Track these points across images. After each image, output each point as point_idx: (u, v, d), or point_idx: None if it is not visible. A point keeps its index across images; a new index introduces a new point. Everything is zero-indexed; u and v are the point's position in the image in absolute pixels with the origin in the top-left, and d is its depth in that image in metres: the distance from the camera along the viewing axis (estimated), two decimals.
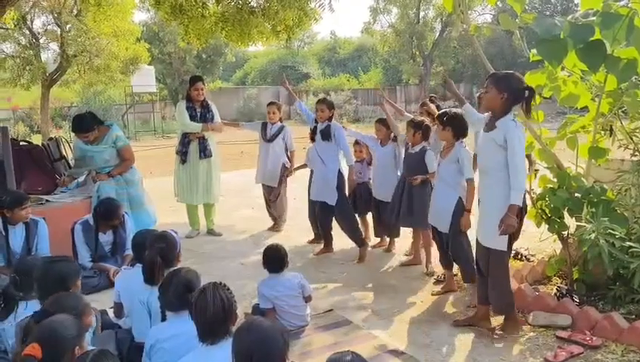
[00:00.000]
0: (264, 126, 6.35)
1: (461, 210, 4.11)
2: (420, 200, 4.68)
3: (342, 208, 5.31)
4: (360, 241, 5.35)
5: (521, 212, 3.49)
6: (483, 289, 3.70)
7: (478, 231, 3.64)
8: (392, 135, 5.27)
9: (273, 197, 6.38)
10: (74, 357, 2.12)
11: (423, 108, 5.36)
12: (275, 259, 3.80)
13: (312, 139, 5.46)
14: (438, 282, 4.63)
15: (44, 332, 2.14)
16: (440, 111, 4.36)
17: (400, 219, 4.93)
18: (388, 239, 5.58)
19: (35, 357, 2.03)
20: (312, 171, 5.68)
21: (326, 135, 5.31)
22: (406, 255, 5.33)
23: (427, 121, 4.92)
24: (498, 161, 3.40)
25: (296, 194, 7.00)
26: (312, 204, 5.61)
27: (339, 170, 5.31)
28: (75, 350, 2.15)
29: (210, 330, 2.32)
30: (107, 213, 4.69)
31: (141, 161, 7.49)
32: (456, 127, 4.11)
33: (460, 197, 4.13)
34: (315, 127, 5.42)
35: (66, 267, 2.93)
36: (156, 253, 3.11)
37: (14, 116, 23.54)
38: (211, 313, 2.31)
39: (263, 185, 6.41)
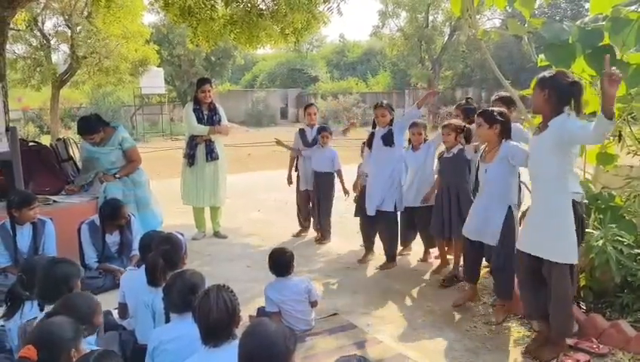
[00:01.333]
0: (302, 132, 6.28)
1: (512, 220, 3.82)
2: (467, 207, 4.31)
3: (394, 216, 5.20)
4: (393, 256, 5.23)
5: (579, 219, 3.33)
6: (529, 304, 3.49)
7: (529, 242, 3.35)
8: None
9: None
10: (70, 359, 2.12)
11: (458, 110, 5.21)
12: (281, 263, 3.78)
13: (369, 146, 5.26)
14: (443, 287, 4.61)
15: (40, 334, 2.15)
16: (484, 108, 4.09)
17: (453, 230, 4.63)
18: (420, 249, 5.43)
19: (29, 358, 2.03)
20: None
21: (388, 140, 5.09)
22: (421, 260, 5.33)
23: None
24: (551, 164, 3.17)
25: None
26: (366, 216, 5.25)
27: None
28: (71, 352, 2.15)
29: (213, 333, 2.32)
30: (112, 213, 4.71)
31: (149, 163, 7.54)
32: (505, 125, 3.80)
33: (510, 206, 3.83)
34: (373, 133, 5.24)
35: (67, 268, 2.94)
36: (159, 254, 3.11)
37: (25, 116, 23.72)
38: (214, 315, 2.30)
39: (301, 191, 6.31)
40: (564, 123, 3.09)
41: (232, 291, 2.44)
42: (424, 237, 5.28)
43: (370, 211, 5.12)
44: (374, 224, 5.25)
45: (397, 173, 5.09)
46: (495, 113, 3.85)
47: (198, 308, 2.35)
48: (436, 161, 5.02)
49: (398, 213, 5.19)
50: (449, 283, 4.65)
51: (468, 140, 4.63)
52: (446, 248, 5.04)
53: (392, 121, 5.14)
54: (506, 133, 3.81)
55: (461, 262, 4.60)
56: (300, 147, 6.25)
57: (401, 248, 5.48)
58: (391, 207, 5.07)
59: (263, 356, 2.03)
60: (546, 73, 3.28)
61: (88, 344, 2.72)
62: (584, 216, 3.32)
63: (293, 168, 6.40)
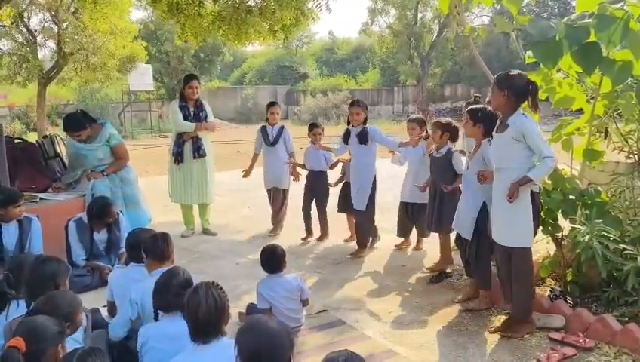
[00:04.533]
0: (264, 129, 6.24)
1: (486, 215, 3.88)
2: (451, 206, 4.42)
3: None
4: (364, 244, 5.43)
5: (537, 210, 3.51)
6: (506, 290, 3.70)
7: (494, 230, 3.63)
8: (425, 134, 5.20)
9: (279, 201, 6.26)
10: (57, 355, 2.12)
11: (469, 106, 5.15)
12: (273, 260, 3.77)
13: (346, 141, 5.38)
14: (431, 283, 4.63)
15: (28, 329, 2.14)
16: (471, 106, 4.18)
17: (434, 227, 4.80)
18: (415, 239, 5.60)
19: (18, 348, 2.03)
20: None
21: (363, 139, 5.21)
22: (414, 249, 5.51)
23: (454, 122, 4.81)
24: (514, 155, 3.42)
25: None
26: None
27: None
28: (58, 348, 2.14)
29: (202, 330, 2.31)
30: (100, 212, 4.67)
31: (137, 160, 7.52)
32: (488, 124, 3.84)
33: (484, 202, 3.89)
34: (349, 131, 5.32)
35: (55, 266, 2.91)
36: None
37: (10, 113, 23.46)
38: (204, 312, 2.29)
39: (269, 190, 6.31)
40: (524, 123, 3.39)
41: (221, 288, 2.43)
42: (418, 229, 5.43)
43: (357, 205, 5.30)
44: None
45: (372, 172, 5.28)
46: (481, 112, 3.93)
47: (187, 304, 2.34)
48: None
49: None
50: (437, 279, 4.67)
51: (454, 139, 4.69)
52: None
53: (365, 119, 5.25)
54: (489, 131, 3.84)
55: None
56: (262, 145, 6.22)
57: (401, 241, 5.62)
58: (362, 206, 5.24)
59: (268, 352, 2.01)
60: (503, 74, 3.51)
61: (75, 342, 2.71)
62: (541, 205, 3.59)
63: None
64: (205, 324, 2.30)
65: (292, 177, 6.22)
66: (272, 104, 6.36)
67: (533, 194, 3.46)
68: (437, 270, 4.82)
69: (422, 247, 5.52)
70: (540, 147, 3.37)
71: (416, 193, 5.12)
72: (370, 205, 5.30)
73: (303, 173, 6.17)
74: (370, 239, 5.56)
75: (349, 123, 5.37)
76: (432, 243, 5.34)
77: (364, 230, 5.44)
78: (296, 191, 6.31)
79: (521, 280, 3.53)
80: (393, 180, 5.88)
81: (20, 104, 24.05)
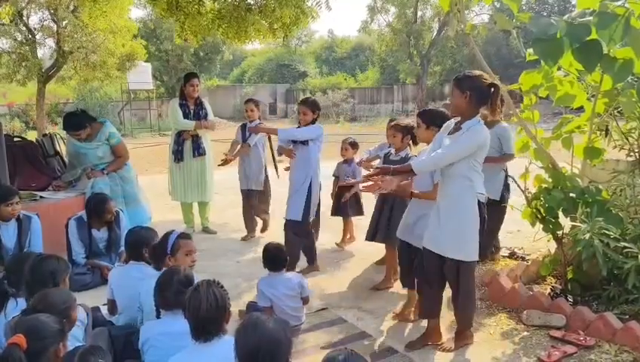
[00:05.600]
0: (243, 127, 6.00)
1: None
2: (400, 215, 4.12)
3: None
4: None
5: (481, 221, 3.27)
6: (431, 302, 3.49)
7: (434, 240, 3.34)
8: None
9: (259, 201, 6.04)
10: (59, 353, 2.11)
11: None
12: (275, 258, 3.75)
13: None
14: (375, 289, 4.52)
15: (28, 326, 2.14)
16: (422, 109, 3.97)
17: (379, 235, 4.48)
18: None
19: (19, 345, 2.02)
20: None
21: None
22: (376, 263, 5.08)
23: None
24: (459, 165, 3.17)
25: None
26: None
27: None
28: (59, 346, 2.14)
29: (203, 328, 2.30)
30: (97, 207, 4.65)
31: (137, 159, 7.52)
32: (441, 125, 3.53)
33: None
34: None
35: (55, 264, 2.91)
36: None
37: (10, 112, 23.44)
38: (204, 311, 2.29)
39: (244, 190, 6.05)
40: (473, 131, 3.15)
41: (222, 286, 2.43)
42: None
43: (291, 213, 4.77)
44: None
45: (308, 174, 4.74)
46: (432, 114, 3.74)
47: (188, 303, 2.34)
48: (379, 161, 4.74)
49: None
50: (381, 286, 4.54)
51: (416, 142, 4.34)
52: None
53: (314, 120, 4.77)
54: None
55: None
56: (240, 142, 6.01)
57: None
58: (297, 216, 4.71)
59: (266, 351, 2.01)
60: (463, 75, 3.28)
61: (76, 340, 2.71)
62: (485, 216, 3.31)
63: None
64: (206, 322, 2.30)
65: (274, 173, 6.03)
66: (247, 101, 6.04)
67: (479, 203, 3.25)
68: (385, 288, 4.54)
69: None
70: (446, 147, 3.15)
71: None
72: (305, 215, 4.72)
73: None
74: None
75: (299, 123, 4.93)
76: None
77: (297, 246, 4.78)
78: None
79: (468, 294, 3.38)
80: None
81: (20, 102, 24.03)
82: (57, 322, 2.20)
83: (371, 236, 4.57)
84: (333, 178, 5.78)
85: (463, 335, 3.48)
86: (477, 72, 3.30)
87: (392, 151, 4.37)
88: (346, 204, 5.43)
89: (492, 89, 3.22)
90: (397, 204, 4.31)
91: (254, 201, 6.06)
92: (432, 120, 3.66)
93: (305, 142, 4.75)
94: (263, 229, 6.23)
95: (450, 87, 3.44)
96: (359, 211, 5.61)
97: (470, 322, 3.50)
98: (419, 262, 3.57)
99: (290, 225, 4.76)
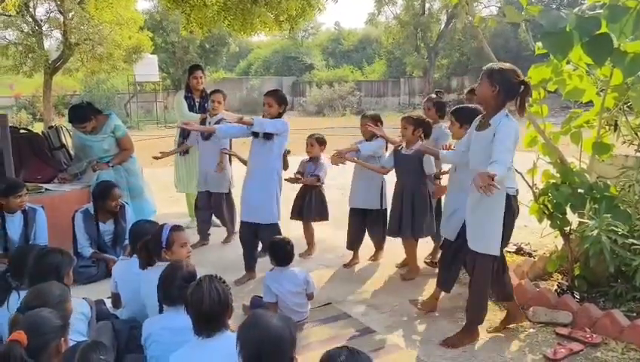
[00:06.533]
0: (203, 123, 5.38)
1: None
2: (422, 208, 4.32)
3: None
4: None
5: (512, 214, 3.26)
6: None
7: (467, 233, 3.36)
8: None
9: (216, 203, 5.57)
10: (60, 348, 2.11)
11: (429, 103, 4.84)
12: (282, 253, 3.73)
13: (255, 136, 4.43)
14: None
15: (29, 322, 2.13)
16: (456, 106, 3.94)
17: (402, 230, 4.44)
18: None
19: (20, 342, 2.02)
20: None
21: (268, 134, 4.34)
22: (398, 266, 4.90)
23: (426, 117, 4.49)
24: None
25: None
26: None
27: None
28: (60, 341, 2.13)
29: (206, 323, 2.30)
30: (103, 193, 4.64)
31: (143, 151, 7.45)
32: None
33: None
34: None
35: (58, 258, 2.90)
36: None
37: (17, 104, 23.53)
38: (207, 306, 2.28)
39: (200, 193, 5.59)
40: (502, 124, 3.10)
41: (224, 281, 2.42)
42: (375, 239, 5.02)
43: (246, 216, 4.48)
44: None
45: (278, 173, 4.48)
46: (465, 112, 3.73)
47: (190, 298, 2.33)
48: (387, 155, 4.67)
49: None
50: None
51: (427, 135, 4.37)
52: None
53: (280, 114, 4.46)
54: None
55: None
56: (198, 140, 5.48)
57: (350, 259, 5.02)
58: (273, 218, 4.46)
59: (270, 348, 1.99)
60: (496, 66, 3.22)
61: (79, 334, 2.71)
62: (516, 209, 3.28)
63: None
64: (208, 318, 2.29)
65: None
66: (214, 92, 5.54)
67: (509, 197, 3.21)
68: (409, 278, 4.58)
69: (380, 258, 5.05)
70: (497, 150, 3.02)
71: (370, 198, 4.77)
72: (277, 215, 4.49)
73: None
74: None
75: (263, 115, 4.54)
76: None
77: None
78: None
79: (480, 290, 3.36)
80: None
81: (27, 94, 24.11)
82: (58, 318, 2.19)
83: (395, 231, 4.52)
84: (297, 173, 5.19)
85: (468, 331, 3.45)
86: (510, 66, 3.25)
87: (403, 145, 4.37)
88: (310, 206, 5.08)
89: (522, 86, 3.17)
90: (417, 198, 4.34)
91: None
92: (465, 118, 3.65)
93: (269, 136, 4.34)
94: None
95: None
96: (323, 214, 5.16)
97: (477, 319, 3.46)
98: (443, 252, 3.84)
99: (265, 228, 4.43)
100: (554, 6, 26.93)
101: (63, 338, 2.15)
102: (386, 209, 4.79)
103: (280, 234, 4.35)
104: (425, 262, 4.88)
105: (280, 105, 4.45)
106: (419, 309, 3.91)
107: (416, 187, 4.39)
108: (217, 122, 5.22)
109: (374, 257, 5.08)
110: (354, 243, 4.99)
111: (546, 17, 3.60)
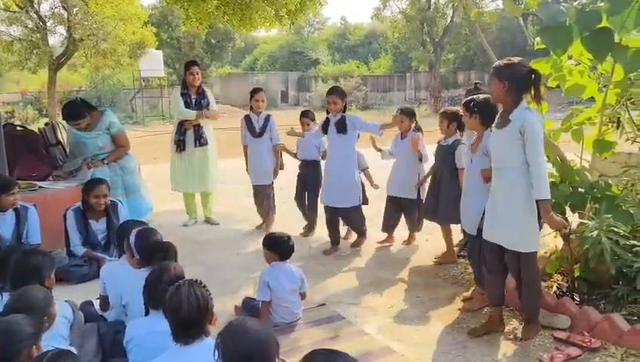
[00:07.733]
0: (248, 118, 5.76)
1: None
2: (447, 195, 4.50)
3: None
4: (363, 231, 5.25)
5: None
6: (495, 290, 3.49)
7: (492, 231, 3.37)
8: (415, 125, 5.06)
9: (265, 195, 5.83)
10: (31, 354, 2.05)
11: (469, 95, 4.77)
12: (285, 246, 3.71)
13: (325, 131, 5.12)
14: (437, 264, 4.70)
15: (1, 329, 2.07)
16: (467, 98, 3.96)
17: (435, 215, 4.74)
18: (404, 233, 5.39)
19: None
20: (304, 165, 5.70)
21: (341, 128, 4.96)
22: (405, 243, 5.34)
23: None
24: (517, 157, 3.14)
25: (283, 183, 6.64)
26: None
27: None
28: (32, 348, 2.07)
29: (184, 330, 2.22)
30: (86, 188, 4.60)
31: (147, 147, 7.45)
32: (484, 113, 3.61)
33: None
34: (328, 120, 5.08)
35: (40, 260, 2.85)
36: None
37: (23, 99, 23.59)
38: (185, 312, 2.20)
39: (256, 186, 5.89)
40: (527, 119, 3.10)
41: (205, 286, 2.34)
42: (409, 223, 5.29)
43: (329, 201, 5.10)
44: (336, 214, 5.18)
45: (353, 164, 5.05)
46: (474, 102, 3.70)
47: (168, 303, 2.25)
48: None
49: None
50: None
51: (462, 128, 4.49)
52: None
53: (345, 107, 5.02)
54: (488, 120, 3.57)
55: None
56: (247, 136, 5.78)
57: (385, 238, 5.36)
58: (356, 201, 5.05)
59: (251, 356, 1.92)
60: (502, 63, 3.23)
61: (61, 337, 2.65)
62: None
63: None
64: (187, 324, 2.21)
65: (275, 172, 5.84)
66: (255, 90, 5.83)
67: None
68: (444, 262, 4.77)
69: (413, 241, 5.34)
70: (535, 153, 3.08)
71: (406, 187, 5.05)
72: (363, 197, 5.17)
73: (295, 162, 5.90)
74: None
75: (327, 112, 5.09)
76: (422, 237, 5.35)
77: (361, 223, 5.21)
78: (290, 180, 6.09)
79: (532, 282, 3.35)
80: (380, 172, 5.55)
81: (33, 90, 24.17)
82: (31, 325, 2.13)
83: (431, 215, 4.80)
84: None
85: (532, 325, 3.42)
86: (516, 59, 3.25)
87: (442, 137, 4.66)
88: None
89: (533, 76, 3.15)
90: (452, 186, 4.49)
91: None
92: (472, 107, 3.69)
93: (345, 133, 4.96)
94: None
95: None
96: (365, 201, 5.34)
97: (537, 310, 3.44)
98: (469, 248, 3.89)
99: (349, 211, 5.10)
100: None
101: (34, 346, 2.09)
102: (421, 199, 5.05)
103: (363, 215, 5.16)
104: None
105: (343, 100, 4.98)
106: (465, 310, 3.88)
107: (452, 176, 4.56)
108: (266, 119, 5.71)
109: (407, 241, 5.35)
110: (388, 227, 5.30)
111: (546, 11, 3.51)
